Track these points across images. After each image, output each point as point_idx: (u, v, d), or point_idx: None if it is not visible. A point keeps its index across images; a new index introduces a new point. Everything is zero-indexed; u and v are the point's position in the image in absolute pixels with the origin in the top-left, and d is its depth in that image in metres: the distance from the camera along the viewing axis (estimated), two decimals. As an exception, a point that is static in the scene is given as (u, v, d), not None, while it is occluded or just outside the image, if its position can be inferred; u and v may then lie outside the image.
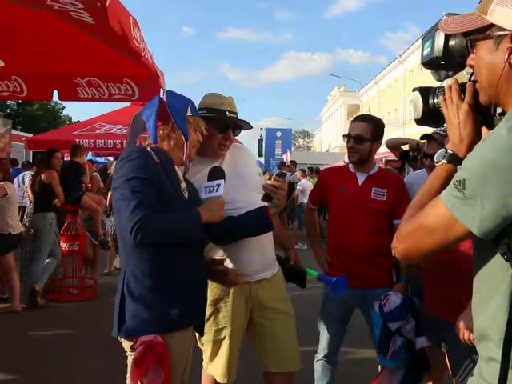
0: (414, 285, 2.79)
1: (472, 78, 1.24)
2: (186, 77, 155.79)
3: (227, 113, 2.34)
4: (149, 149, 1.94)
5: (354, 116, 3.18)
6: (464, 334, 2.16)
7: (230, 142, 2.42)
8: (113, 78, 5.03)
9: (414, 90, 1.37)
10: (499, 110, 1.19)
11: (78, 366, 3.95)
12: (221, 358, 2.41)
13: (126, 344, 1.89)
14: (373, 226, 2.78)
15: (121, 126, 9.26)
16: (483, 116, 1.24)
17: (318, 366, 3.05)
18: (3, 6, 3.66)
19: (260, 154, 27.81)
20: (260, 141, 28.16)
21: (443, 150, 1.27)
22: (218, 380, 2.43)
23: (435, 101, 1.33)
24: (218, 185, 2.05)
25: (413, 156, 3.92)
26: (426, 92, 1.35)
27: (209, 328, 2.36)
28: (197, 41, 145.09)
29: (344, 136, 2.93)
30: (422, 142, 3.08)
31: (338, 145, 43.99)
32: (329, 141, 52.00)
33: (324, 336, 2.99)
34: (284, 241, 2.72)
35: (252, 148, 28.19)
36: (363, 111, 41.31)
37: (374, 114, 38.55)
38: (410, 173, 4.52)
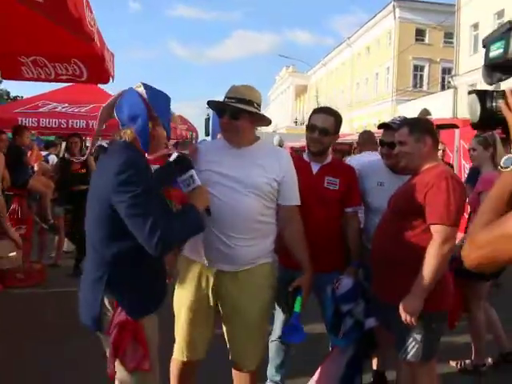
0: (365, 270, 2.94)
1: None
2: (133, 53, 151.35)
3: (226, 99, 2.44)
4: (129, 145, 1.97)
5: (313, 106, 3.26)
6: (406, 317, 2.37)
7: (224, 125, 2.47)
8: (60, 58, 4.91)
9: (470, 92, 1.34)
10: None
11: (32, 352, 3.91)
12: (178, 333, 2.54)
13: None
14: (325, 214, 2.88)
15: (66, 105, 8.93)
16: None
17: (273, 346, 3.16)
18: None
19: (207, 133, 27.45)
20: (207, 120, 27.79)
21: (511, 155, 1.24)
22: (174, 355, 2.56)
23: (493, 104, 1.29)
24: (191, 176, 2.13)
25: None
26: (482, 95, 1.31)
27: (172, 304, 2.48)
28: (144, 17, 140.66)
29: (307, 126, 2.97)
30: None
31: (285, 125, 44.83)
32: (275, 121, 52.22)
33: (278, 318, 3.10)
34: (299, 260, 2.61)
35: (200, 127, 27.88)
36: (311, 92, 41.53)
37: (321, 94, 39.08)
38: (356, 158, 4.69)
